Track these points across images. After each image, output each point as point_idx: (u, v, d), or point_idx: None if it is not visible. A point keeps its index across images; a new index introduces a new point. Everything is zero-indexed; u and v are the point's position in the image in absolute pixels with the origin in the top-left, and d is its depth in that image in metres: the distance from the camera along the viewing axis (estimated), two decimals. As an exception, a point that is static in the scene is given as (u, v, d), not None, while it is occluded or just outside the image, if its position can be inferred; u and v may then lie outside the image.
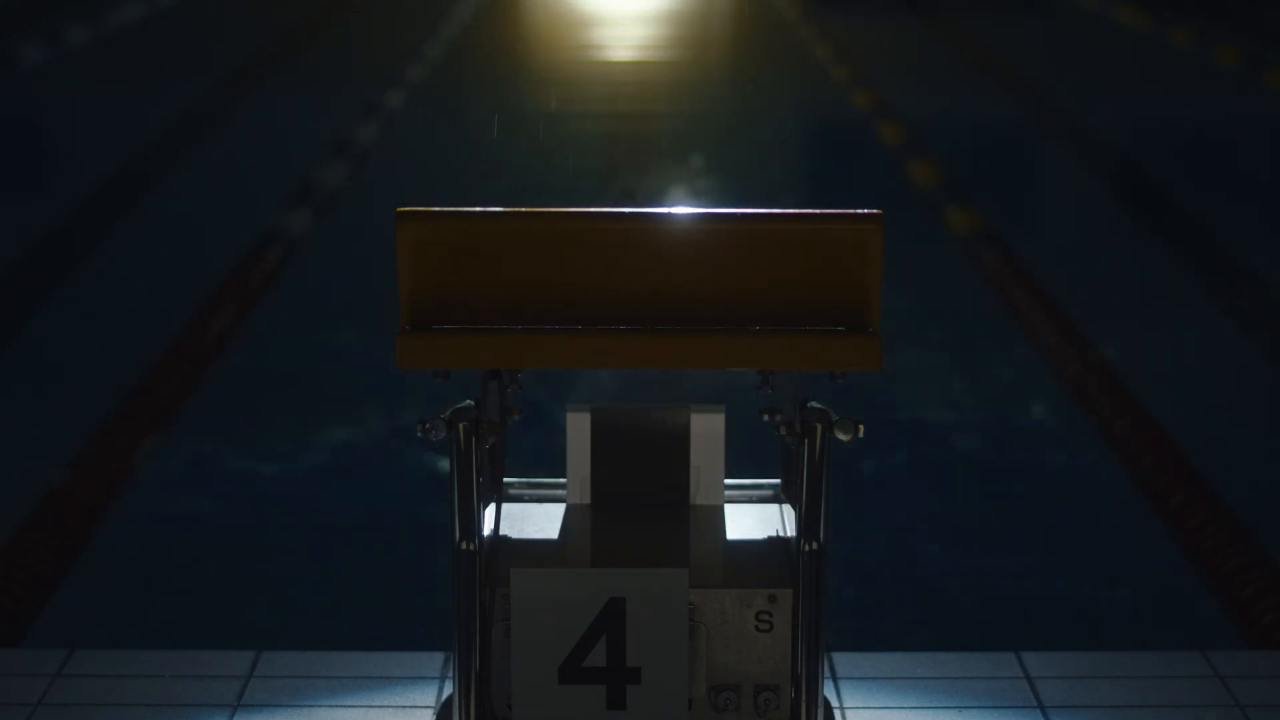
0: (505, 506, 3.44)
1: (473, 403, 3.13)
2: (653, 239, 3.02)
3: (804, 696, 3.12)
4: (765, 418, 3.34)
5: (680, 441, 3.45)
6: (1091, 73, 13.73)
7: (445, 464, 3.12)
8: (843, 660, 3.84)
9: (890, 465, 5.88)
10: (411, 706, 3.65)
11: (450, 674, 3.38)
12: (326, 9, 16.46)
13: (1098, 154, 10.86)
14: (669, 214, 3.03)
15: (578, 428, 3.45)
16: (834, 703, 3.64)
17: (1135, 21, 15.95)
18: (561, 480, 3.50)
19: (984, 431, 6.31)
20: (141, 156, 10.32)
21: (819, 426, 3.08)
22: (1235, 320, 7.59)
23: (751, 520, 3.44)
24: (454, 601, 3.08)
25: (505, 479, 3.48)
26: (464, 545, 3.07)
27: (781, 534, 3.37)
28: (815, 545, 3.07)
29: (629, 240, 3.02)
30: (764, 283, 3.01)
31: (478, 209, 3.03)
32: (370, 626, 4.72)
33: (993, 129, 11.82)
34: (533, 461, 3.85)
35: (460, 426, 3.08)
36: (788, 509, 3.40)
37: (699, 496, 3.47)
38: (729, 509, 3.48)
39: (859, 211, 3.01)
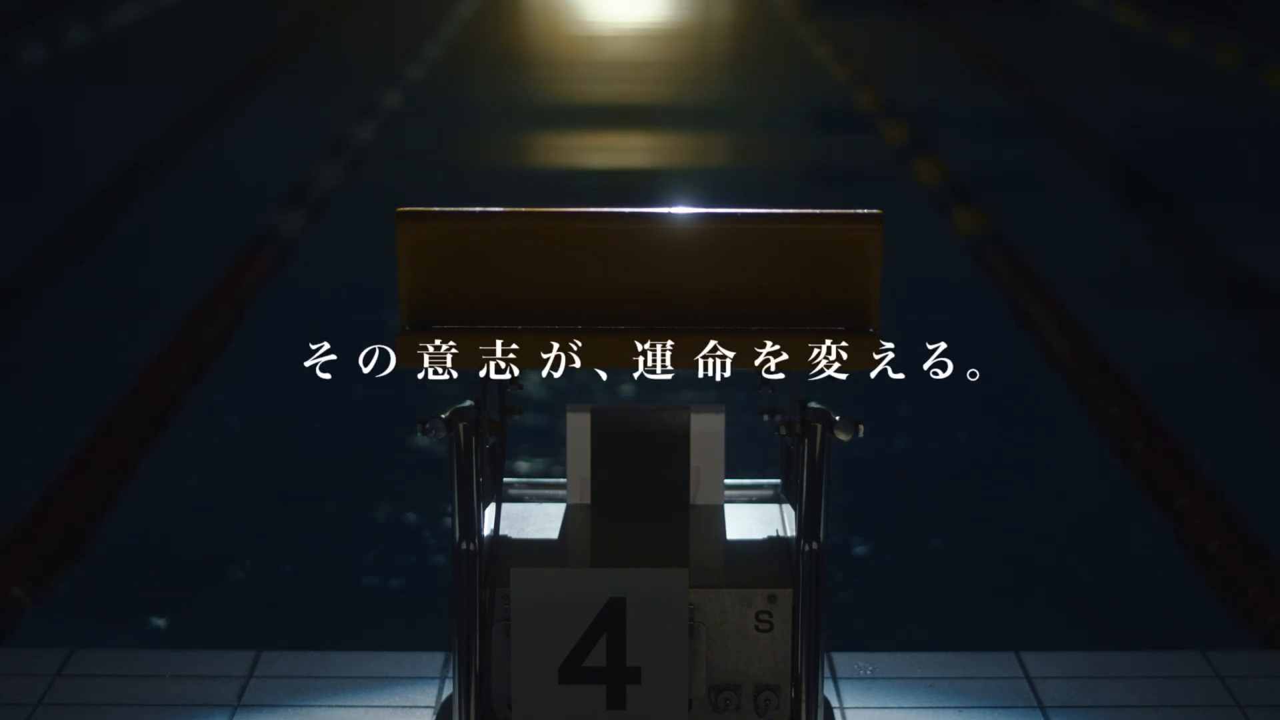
0: (505, 506, 3.44)
1: (473, 403, 3.13)
2: (653, 239, 3.02)
3: (804, 696, 3.12)
4: (765, 418, 3.34)
5: (680, 441, 3.45)
6: (1090, 72, 13.73)
7: None
8: (843, 660, 3.84)
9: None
10: (411, 706, 3.65)
11: (450, 674, 3.38)
12: (327, 8, 16.46)
13: (1095, 153, 10.86)
14: (669, 214, 3.03)
15: (578, 428, 3.45)
16: (834, 703, 3.64)
17: (1135, 21, 15.94)
18: (561, 480, 3.50)
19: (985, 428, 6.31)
20: (141, 155, 10.33)
21: (819, 426, 3.09)
22: (1238, 322, 7.59)
23: (751, 520, 3.44)
24: (454, 601, 3.08)
25: (505, 479, 3.48)
26: (464, 545, 3.07)
27: (781, 534, 3.37)
28: (815, 545, 3.07)
29: (629, 240, 3.02)
30: (764, 283, 3.01)
31: (478, 209, 3.03)
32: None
33: (992, 127, 11.82)
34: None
35: (460, 426, 3.08)
36: (788, 509, 3.40)
37: (699, 496, 3.47)
38: (729, 509, 3.48)
39: (859, 211, 3.01)
